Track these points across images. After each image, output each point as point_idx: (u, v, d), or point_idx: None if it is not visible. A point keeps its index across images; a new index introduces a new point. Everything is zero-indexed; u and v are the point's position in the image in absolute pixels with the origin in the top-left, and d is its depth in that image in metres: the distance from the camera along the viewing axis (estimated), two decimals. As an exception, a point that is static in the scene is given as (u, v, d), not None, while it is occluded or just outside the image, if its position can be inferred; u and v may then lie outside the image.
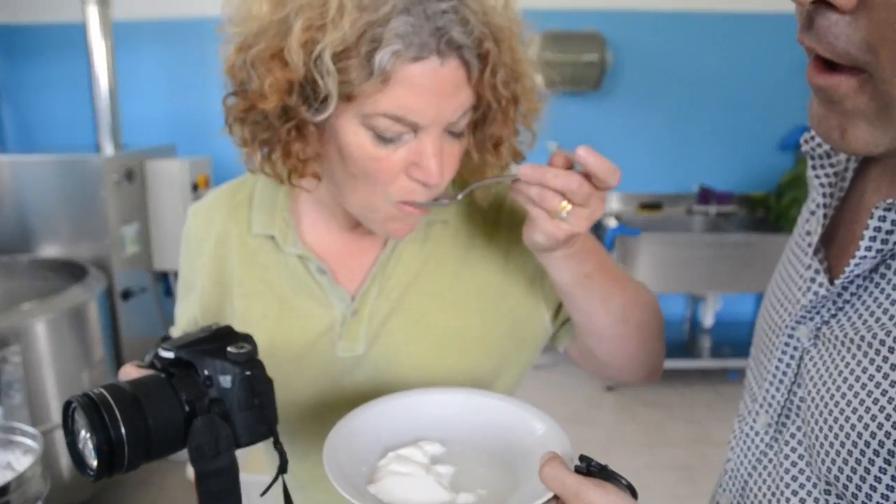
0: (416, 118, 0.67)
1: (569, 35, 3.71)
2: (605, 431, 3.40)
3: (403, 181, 0.71)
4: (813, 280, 0.61)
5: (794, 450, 0.62)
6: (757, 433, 0.66)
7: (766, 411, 0.65)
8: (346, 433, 0.69)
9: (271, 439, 0.70)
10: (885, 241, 0.53)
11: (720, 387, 3.81)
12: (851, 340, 0.55)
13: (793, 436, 0.62)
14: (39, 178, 2.99)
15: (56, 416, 2.34)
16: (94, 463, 0.61)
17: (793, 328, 0.62)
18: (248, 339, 0.69)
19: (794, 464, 0.61)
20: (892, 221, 0.52)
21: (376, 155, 0.69)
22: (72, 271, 2.81)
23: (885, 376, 0.51)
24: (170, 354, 0.67)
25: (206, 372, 0.66)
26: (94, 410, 0.61)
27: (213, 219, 0.89)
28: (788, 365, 0.63)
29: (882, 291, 0.54)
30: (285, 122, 0.69)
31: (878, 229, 0.52)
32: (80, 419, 0.63)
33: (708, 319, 4.10)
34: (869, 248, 0.53)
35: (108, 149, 3.18)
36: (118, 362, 2.97)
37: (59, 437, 2.37)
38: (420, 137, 0.68)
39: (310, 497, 0.88)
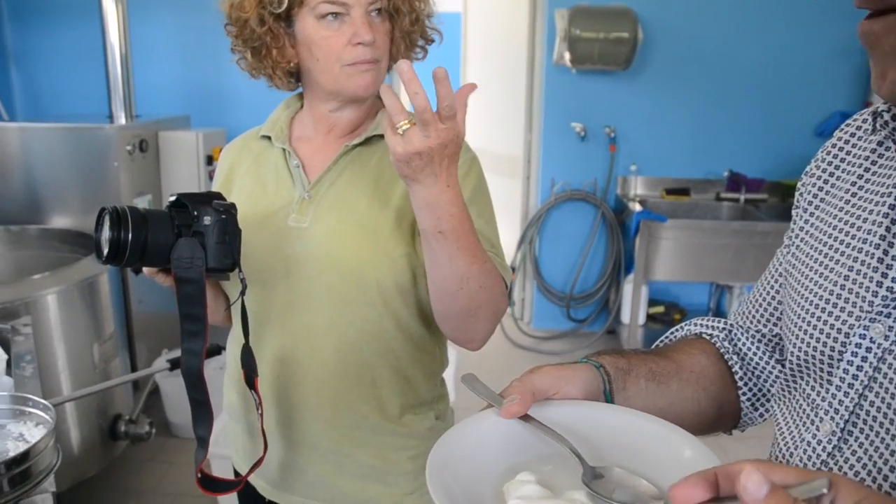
0: None
1: (599, 10, 3.58)
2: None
3: (350, 49, 1.09)
4: (890, 266, 0.59)
5: (859, 459, 0.60)
6: (819, 442, 0.63)
7: (832, 418, 0.62)
8: (452, 460, 0.61)
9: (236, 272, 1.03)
10: None
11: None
12: None
13: (860, 444, 0.60)
14: (50, 147, 2.93)
15: (67, 390, 2.29)
16: (106, 250, 0.94)
17: (865, 327, 0.60)
18: (231, 203, 1.01)
19: (856, 474, 0.59)
20: None
21: (327, 34, 1.09)
22: (83, 243, 2.76)
23: None
24: (173, 198, 1.00)
25: (195, 212, 0.98)
26: (116, 217, 0.93)
27: (229, 152, 1.29)
28: (860, 368, 0.60)
29: None
30: (262, 26, 1.11)
31: None
32: (106, 221, 0.95)
33: (733, 311, 3.97)
34: None
35: (121, 118, 3.12)
36: (129, 336, 2.93)
37: (70, 410, 2.37)
38: (352, 16, 1.08)
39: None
